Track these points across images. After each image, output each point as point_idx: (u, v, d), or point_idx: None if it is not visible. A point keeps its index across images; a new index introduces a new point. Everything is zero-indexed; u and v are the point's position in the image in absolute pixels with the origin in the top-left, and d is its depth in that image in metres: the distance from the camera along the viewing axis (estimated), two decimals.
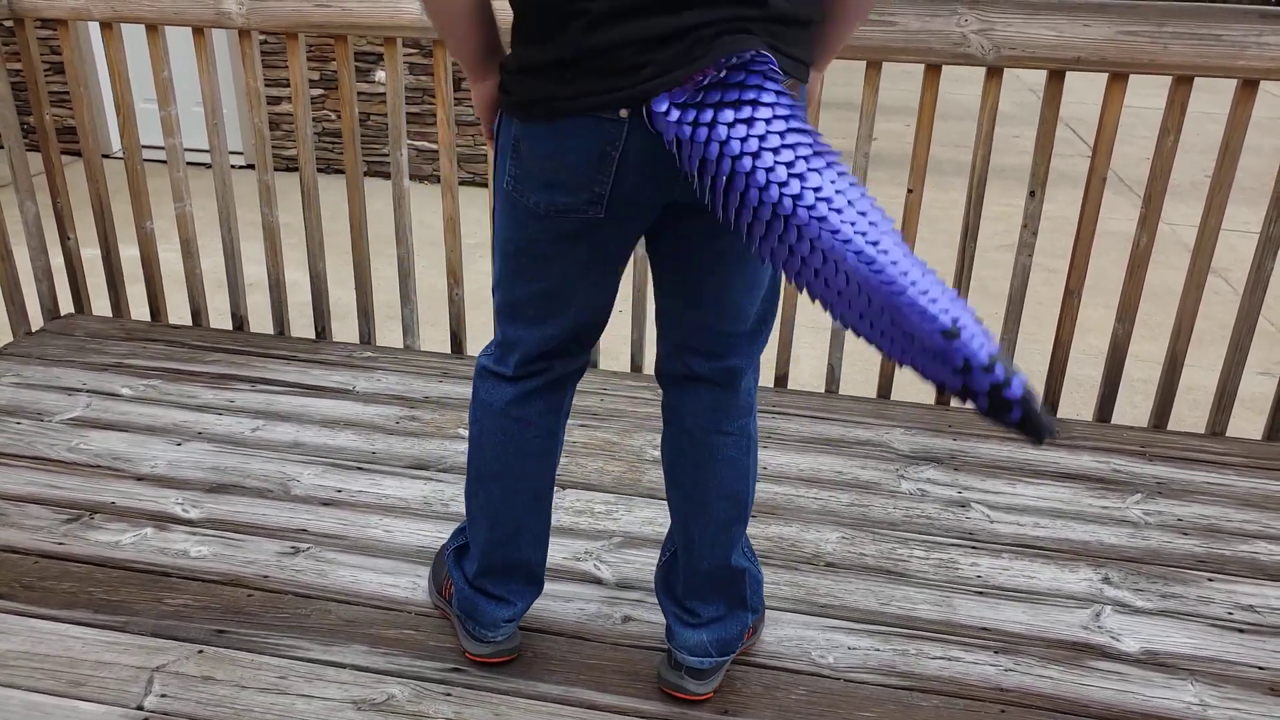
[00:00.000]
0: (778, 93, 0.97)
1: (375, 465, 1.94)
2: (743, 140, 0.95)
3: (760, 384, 2.26)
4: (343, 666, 1.46)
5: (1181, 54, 1.84)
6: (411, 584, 1.61)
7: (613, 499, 1.84)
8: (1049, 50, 1.88)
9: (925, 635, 1.51)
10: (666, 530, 1.73)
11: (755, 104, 0.95)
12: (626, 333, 3.34)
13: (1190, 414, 2.97)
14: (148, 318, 2.53)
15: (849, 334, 2.20)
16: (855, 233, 0.92)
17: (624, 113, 1.03)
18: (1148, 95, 7.06)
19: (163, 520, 1.76)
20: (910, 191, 2.05)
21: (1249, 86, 1.86)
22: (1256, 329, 2.04)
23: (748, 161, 0.94)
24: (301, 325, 2.89)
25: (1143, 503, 1.84)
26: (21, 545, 1.68)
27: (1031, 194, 2.01)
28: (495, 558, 1.40)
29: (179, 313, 2.99)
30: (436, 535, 1.73)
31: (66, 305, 2.57)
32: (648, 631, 1.52)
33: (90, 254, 2.66)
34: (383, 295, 3.46)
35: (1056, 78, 1.92)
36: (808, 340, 3.39)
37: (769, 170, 0.94)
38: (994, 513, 1.81)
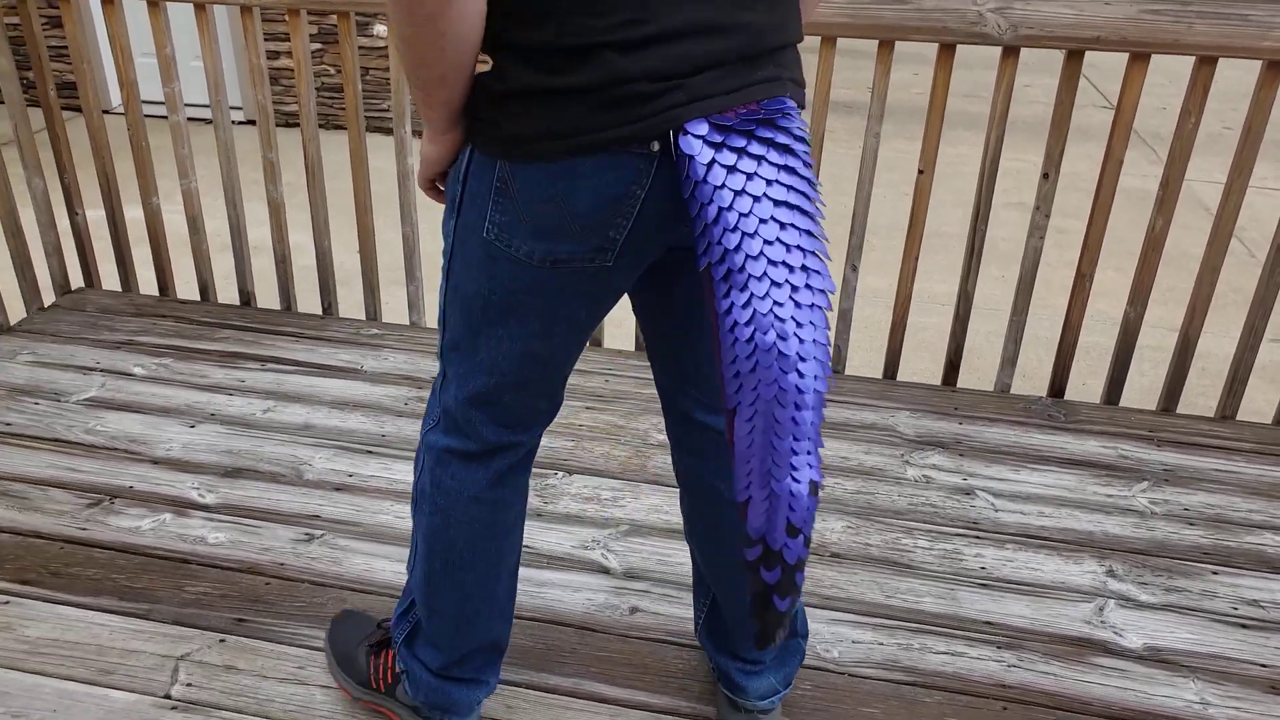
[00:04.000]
0: (805, 163, 0.95)
1: (385, 449, 1.96)
2: (756, 199, 0.92)
3: None
4: None
5: (1206, 34, 1.79)
6: None
7: (619, 485, 1.85)
8: (1067, 29, 1.83)
9: (930, 629, 1.54)
10: (672, 520, 1.75)
11: (778, 167, 0.93)
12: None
13: (1199, 382, 2.97)
14: (156, 291, 2.53)
15: (855, 313, 2.20)
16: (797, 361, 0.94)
17: (655, 146, 0.93)
18: None
19: (181, 505, 1.79)
20: (921, 173, 2.02)
21: (1274, 68, 1.82)
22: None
23: (752, 222, 0.92)
24: (306, 292, 2.88)
25: (1149, 491, 1.86)
26: (46, 530, 1.72)
27: (1045, 176, 1.98)
28: (466, 646, 1.27)
29: (187, 282, 2.99)
30: None
31: (76, 279, 2.57)
32: (655, 623, 1.55)
33: (95, 216, 2.64)
34: (386, 258, 3.44)
35: (1075, 57, 1.88)
36: None
37: (766, 242, 0.92)
38: (999, 500, 1.82)
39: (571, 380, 2.17)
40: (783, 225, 0.93)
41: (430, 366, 2.24)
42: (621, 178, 0.94)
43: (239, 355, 2.26)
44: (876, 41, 1.93)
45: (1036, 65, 6.82)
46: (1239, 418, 2.10)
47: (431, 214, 3.92)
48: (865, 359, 2.87)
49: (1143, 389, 2.88)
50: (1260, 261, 3.83)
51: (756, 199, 0.92)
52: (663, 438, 1.99)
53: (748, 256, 0.92)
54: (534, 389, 1.13)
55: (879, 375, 2.25)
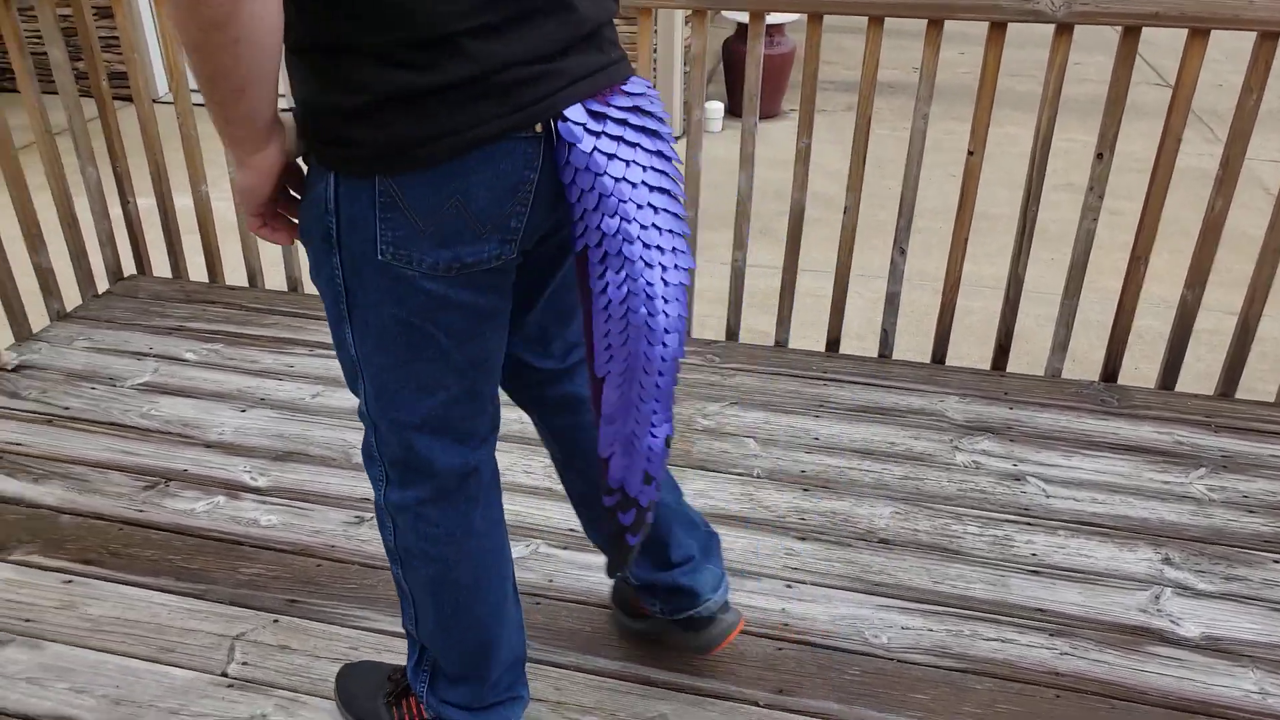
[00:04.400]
0: (670, 143, 0.99)
1: None
2: (634, 186, 0.95)
3: (810, 349, 2.26)
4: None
5: (1268, 8, 1.74)
6: None
7: None
8: (1125, 5, 1.79)
9: (979, 616, 1.53)
10: (719, 505, 1.75)
11: (651, 153, 0.97)
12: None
13: (1258, 366, 2.89)
14: (205, 277, 2.57)
15: (903, 297, 2.17)
16: (662, 317, 0.99)
17: (539, 127, 0.92)
18: None
19: (234, 489, 1.82)
20: (971, 154, 1.98)
21: None
22: None
23: (630, 208, 0.95)
24: None
25: (1207, 478, 1.82)
26: (106, 512, 1.76)
27: (1099, 156, 1.94)
28: (493, 672, 1.24)
29: (235, 269, 3.03)
30: None
31: (129, 266, 2.62)
32: None
33: (146, 204, 2.69)
34: None
35: (1131, 34, 1.83)
36: (854, 289, 3.34)
37: (642, 227, 0.95)
38: (1050, 487, 1.79)
39: None
40: (656, 210, 0.96)
41: None
42: (514, 165, 0.92)
43: (288, 341, 2.29)
44: (924, 20, 1.90)
45: (1086, 43, 6.66)
46: None
47: None
48: (911, 343, 2.84)
49: (1199, 374, 2.82)
50: None
51: (634, 185, 0.94)
52: (708, 423, 1.99)
53: (625, 240, 0.95)
54: (481, 393, 1.09)
55: (926, 360, 2.22)
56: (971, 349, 2.88)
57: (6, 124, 2.20)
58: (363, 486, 1.82)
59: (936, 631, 1.50)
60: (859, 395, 2.07)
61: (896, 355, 2.23)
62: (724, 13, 4.55)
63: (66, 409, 2.04)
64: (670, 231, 0.98)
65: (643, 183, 0.94)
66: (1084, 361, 2.88)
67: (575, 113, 0.92)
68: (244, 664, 1.46)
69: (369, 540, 1.69)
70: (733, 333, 2.26)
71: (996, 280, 3.36)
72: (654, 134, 0.97)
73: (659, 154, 0.97)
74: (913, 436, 1.93)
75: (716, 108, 4.80)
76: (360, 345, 1.03)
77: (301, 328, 2.34)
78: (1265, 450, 1.88)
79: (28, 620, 1.53)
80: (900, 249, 2.10)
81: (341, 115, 0.90)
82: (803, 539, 1.68)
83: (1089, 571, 1.61)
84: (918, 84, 1.96)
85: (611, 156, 0.93)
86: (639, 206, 0.94)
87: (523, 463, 1.87)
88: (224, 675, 1.45)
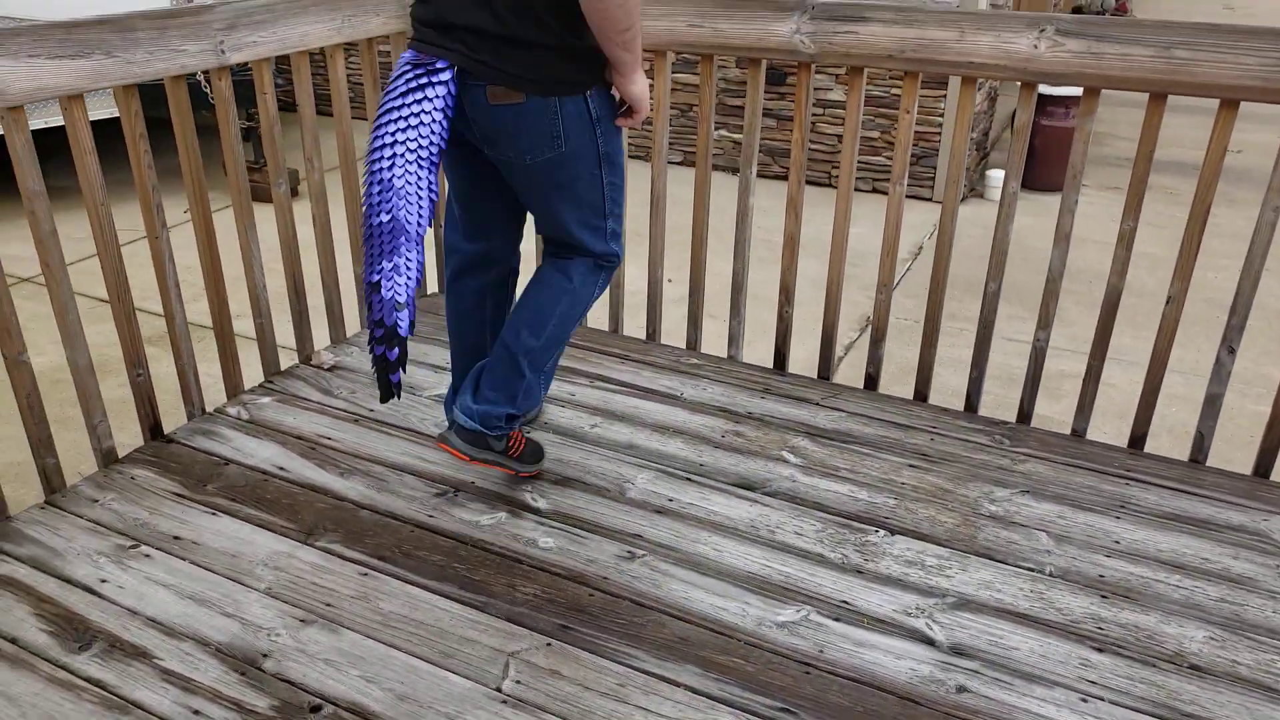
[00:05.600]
0: (437, 97, 1.61)
1: (703, 478, 1.99)
2: (401, 96, 1.62)
3: (1111, 443, 2.09)
4: (676, 685, 1.51)
5: None
6: (741, 610, 1.65)
7: (945, 554, 1.77)
8: None
9: None
10: (1005, 599, 1.64)
11: (413, 89, 1.62)
12: (963, 360, 3.19)
13: None
14: None
15: (1225, 403, 1.96)
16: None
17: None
18: None
19: (515, 506, 1.91)
20: None
21: None
22: None
23: (392, 113, 1.62)
24: (632, 310, 3.01)
25: None
26: (400, 513, 1.89)
27: None
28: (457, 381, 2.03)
29: None
30: (764, 562, 1.75)
31: (433, 284, 2.85)
32: (984, 707, 1.46)
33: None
34: (710, 289, 3.50)
35: None
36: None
37: (404, 129, 1.62)
38: None
39: (891, 434, 2.11)
40: (414, 116, 1.61)
41: (745, 401, 2.26)
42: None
43: (570, 370, 2.39)
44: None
45: None
46: None
47: (761, 249, 3.96)
48: (1222, 452, 2.57)
49: None
50: None
51: (402, 96, 1.62)
52: (995, 509, 1.88)
53: (382, 125, 1.63)
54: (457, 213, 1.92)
55: (1245, 471, 2.00)
56: None
57: (353, 142, 2.45)
58: (635, 522, 1.86)
59: None
60: (1167, 501, 1.89)
61: (1210, 462, 2.02)
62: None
63: (371, 410, 2.23)
64: (417, 143, 1.61)
65: (402, 96, 1.61)
66: None
67: (408, 54, 1.64)
68: (517, 682, 1.51)
69: (640, 578, 1.72)
70: (1025, 415, 2.14)
71: None
72: (426, 81, 1.60)
73: (416, 91, 1.60)
74: (1231, 555, 1.74)
75: (1000, 176, 4.63)
76: None
77: (584, 359, 2.44)
78: None
79: (328, 605, 1.66)
80: (1230, 347, 1.91)
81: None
82: (1100, 650, 1.55)
83: None
84: (1272, 172, 1.79)
85: (399, 77, 1.63)
86: (402, 116, 1.61)
87: (793, 523, 1.85)
88: (498, 690, 1.50)
